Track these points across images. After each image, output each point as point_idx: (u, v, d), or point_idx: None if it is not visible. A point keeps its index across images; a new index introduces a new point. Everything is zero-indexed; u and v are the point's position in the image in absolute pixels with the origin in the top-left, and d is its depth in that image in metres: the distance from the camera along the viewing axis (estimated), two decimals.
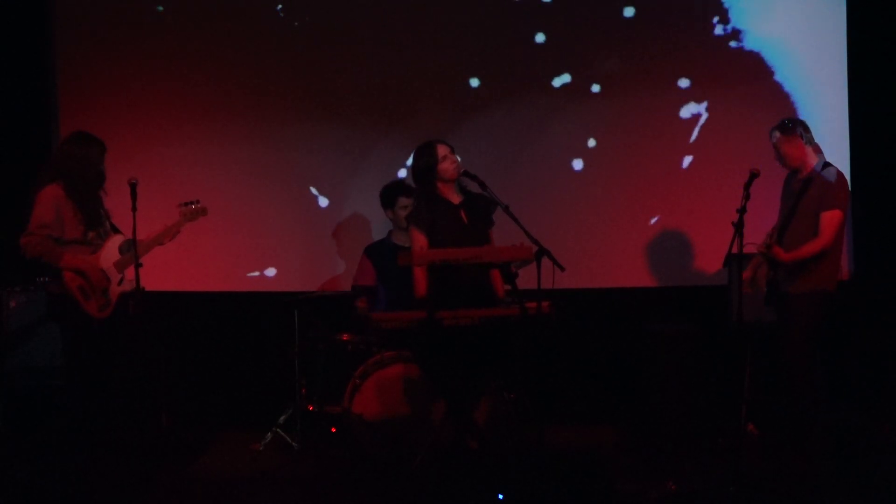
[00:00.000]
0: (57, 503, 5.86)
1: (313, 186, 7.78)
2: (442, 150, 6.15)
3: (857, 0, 7.56)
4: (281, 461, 6.63)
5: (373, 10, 7.73)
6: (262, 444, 6.84)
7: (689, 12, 7.66)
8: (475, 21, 7.71)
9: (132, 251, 6.25)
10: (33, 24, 7.67)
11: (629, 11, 7.67)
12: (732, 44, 7.64)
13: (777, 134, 6.40)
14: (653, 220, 7.67)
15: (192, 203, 6.56)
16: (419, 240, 6.13)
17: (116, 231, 6.42)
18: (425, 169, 6.16)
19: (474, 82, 7.72)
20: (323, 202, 7.79)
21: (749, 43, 7.64)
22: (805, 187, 6.35)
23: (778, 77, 7.60)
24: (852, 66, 7.57)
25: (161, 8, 7.73)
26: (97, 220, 6.33)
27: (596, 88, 7.71)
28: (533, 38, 7.70)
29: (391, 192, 7.14)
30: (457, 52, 7.71)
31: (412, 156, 6.26)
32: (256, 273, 7.77)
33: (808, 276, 6.29)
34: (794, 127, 6.38)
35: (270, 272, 7.79)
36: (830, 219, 6.25)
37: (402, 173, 7.66)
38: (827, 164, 6.40)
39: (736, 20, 7.64)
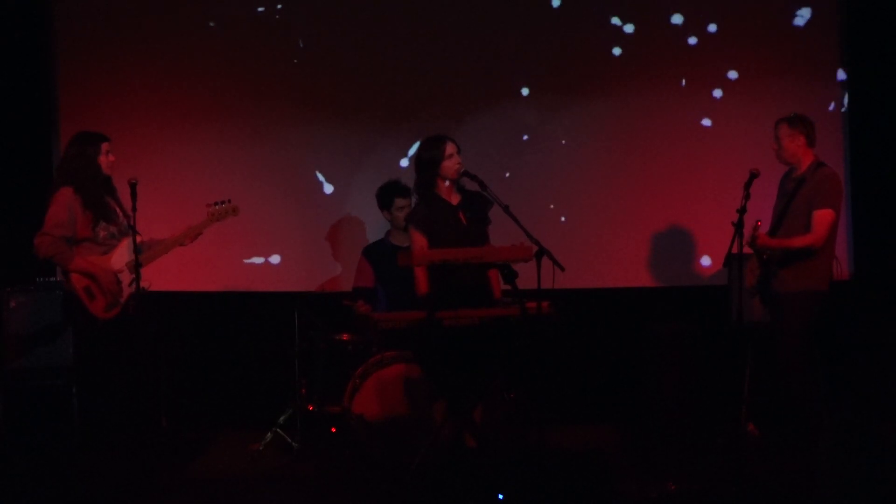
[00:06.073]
0: (57, 503, 5.86)
1: (319, 172, 7.76)
2: (450, 148, 6.13)
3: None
4: (281, 461, 6.64)
5: (374, 8, 7.75)
6: (262, 444, 6.83)
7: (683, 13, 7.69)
8: (476, 21, 7.72)
9: (148, 251, 6.33)
10: (33, 25, 7.65)
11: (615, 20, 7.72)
12: (730, 45, 7.65)
13: (783, 125, 6.44)
14: (651, 221, 7.68)
15: (221, 203, 6.51)
16: (419, 240, 6.12)
17: (135, 232, 6.35)
18: (429, 162, 6.14)
19: (477, 81, 7.72)
20: (328, 188, 7.77)
21: (747, 42, 7.65)
22: (798, 186, 6.39)
23: (777, 76, 7.61)
24: (851, 65, 7.58)
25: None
26: (107, 217, 6.34)
27: (595, 89, 7.71)
28: (534, 38, 7.71)
29: (388, 193, 7.12)
30: (458, 51, 7.72)
31: (419, 145, 6.22)
32: (261, 259, 7.75)
33: (798, 275, 6.32)
34: (800, 123, 6.43)
35: (275, 259, 7.77)
36: (822, 217, 6.28)
37: (404, 163, 7.65)
38: (821, 165, 6.43)
39: (732, 20, 7.66)
